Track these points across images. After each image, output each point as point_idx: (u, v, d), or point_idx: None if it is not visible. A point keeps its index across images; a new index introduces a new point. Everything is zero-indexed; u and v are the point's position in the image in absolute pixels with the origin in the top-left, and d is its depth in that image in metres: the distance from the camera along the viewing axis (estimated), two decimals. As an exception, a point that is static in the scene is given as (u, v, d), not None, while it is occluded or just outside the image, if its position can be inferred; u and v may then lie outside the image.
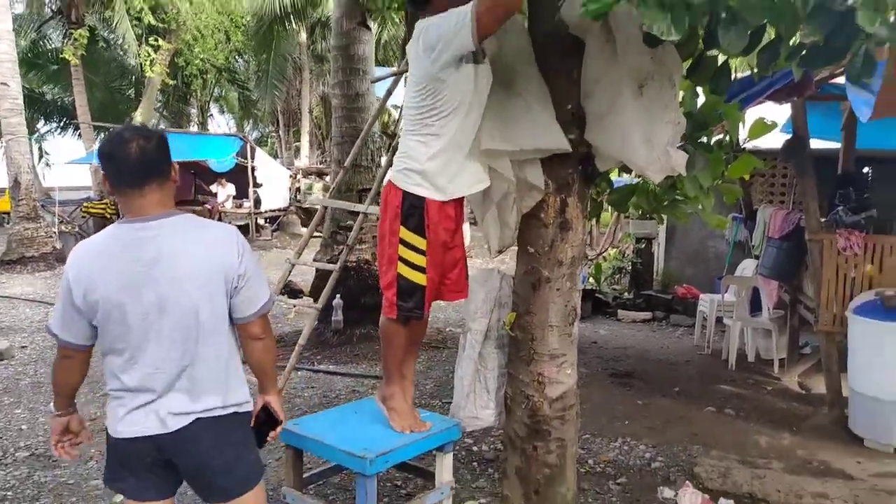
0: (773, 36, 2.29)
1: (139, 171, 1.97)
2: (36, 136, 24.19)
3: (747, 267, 6.48)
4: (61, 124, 24.44)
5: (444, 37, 2.28)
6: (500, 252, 2.86)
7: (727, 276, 6.61)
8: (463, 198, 2.60)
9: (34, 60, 20.34)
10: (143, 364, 1.94)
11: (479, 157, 2.52)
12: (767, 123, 3.01)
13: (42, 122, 24.68)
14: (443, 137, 2.41)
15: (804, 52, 2.26)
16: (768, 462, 4.04)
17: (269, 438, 2.23)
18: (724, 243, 8.06)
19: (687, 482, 3.60)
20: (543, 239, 2.69)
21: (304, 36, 21.36)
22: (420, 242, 2.48)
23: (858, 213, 4.94)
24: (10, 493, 3.60)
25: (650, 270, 8.95)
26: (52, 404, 2.26)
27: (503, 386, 2.95)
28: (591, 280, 9.07)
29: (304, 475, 3.05)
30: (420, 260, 2.49)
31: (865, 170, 7.69)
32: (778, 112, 5.39)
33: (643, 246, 8.75)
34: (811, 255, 4.64)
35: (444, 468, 2.86)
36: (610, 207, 4.68)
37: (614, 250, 9.54)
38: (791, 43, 2.25)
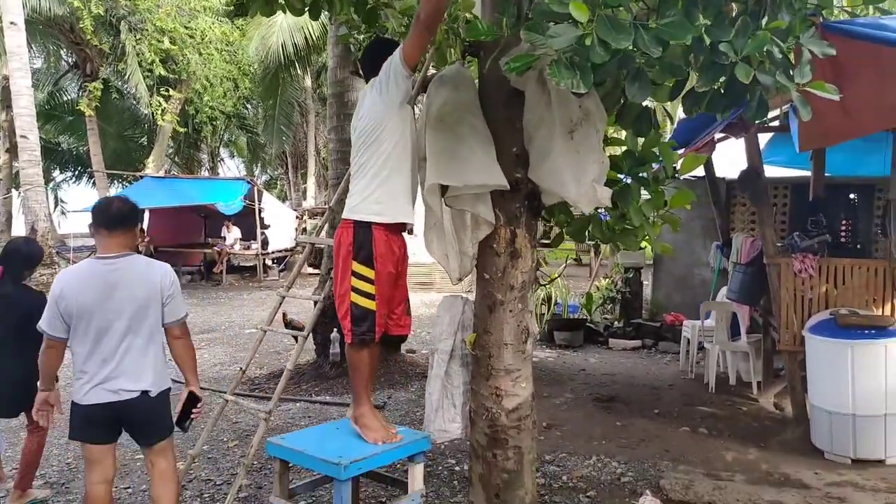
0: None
1: (113, 221, 3.00)
2: (52, 184, 25.00)
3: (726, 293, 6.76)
4: (76, 173, 25.23)
5: (388, 78, 2.89)
6: (460, 280, 3.20)
7: (706, 301, 6.88)
8: (403, 235, 3.09)
9: (51, 112, 21.17)
10: (99, 353, 2.93)
11: (410, 192, 3.02)
12: (697, 157, 3.35)
13: (58, 171, 25.49)
14: (383, 171, 2.91)
15: (708, 98, 2.62)
16: (732, 475, 4.28)
17: (193, 416, 3.24)
18: (709, 270, 8.34)
19: (647, 491, 3.85)
20: (496, 266, 3.03)
21: (308, 81, 22.12)
22: (369, 273, 2.93)
23: (819, 237, 5.25)
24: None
25: (639, 299, 9.23)
26: (38, 383, 3.21)
27: (469, 401, 3.25)
28: (582, 310, 9.36)
29: (291, 486, 3.34)
30: (370, 288, 2.94)
31: (851, 196, 8.01)
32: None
33: (631, 275, 9.04)
34: (770, 278, 4.93)
35: (416, 477, 3.15)
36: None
37: (606, 280, 9.83)
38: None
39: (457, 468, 4.49)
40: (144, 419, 3.06)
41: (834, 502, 3.82)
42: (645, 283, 9.90)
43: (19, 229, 19.00)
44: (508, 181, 2.87)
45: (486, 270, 3.05)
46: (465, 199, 2.90)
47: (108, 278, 2.92)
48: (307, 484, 3.48)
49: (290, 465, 3.30)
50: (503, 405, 3.04)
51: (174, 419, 3.19)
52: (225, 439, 5.16)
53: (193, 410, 3.22)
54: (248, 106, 23.75)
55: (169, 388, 3.16)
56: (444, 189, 2.95)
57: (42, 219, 12.35)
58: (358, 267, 2.92)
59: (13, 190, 19.41)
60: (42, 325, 2.96)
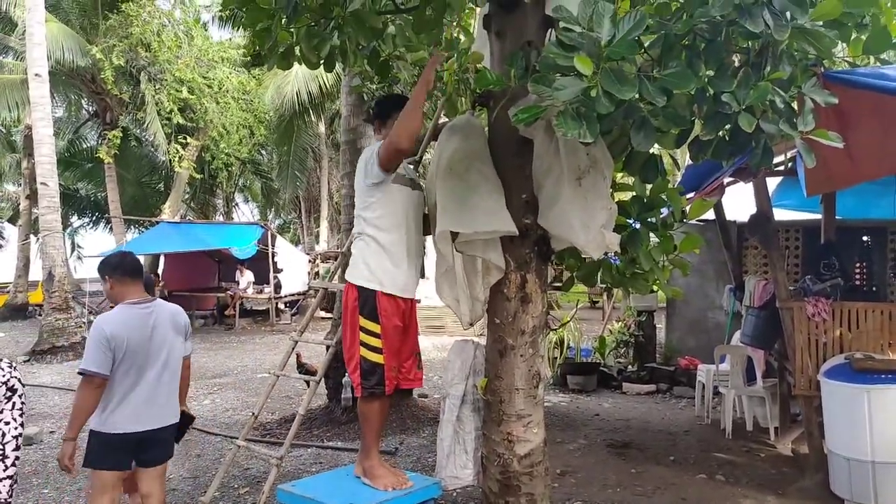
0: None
1: (134, 270, 3.44)
2: (69, 230, 25.39)
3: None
4: (93, 218, 25.63)
5: (365, 166, 3.18)
6: (471, 324, 3.22)
7: (720, 345, 6.83)
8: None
9: (70, 159, 21.65)
10: (142, 387, 3.27)
11: (407, 261, 3.16)
12: (705, 202, 3.40)
13: (76, 216, 25.91)
14: (372, 243, 3.12)
15: (714, 146, 2.68)
16: (750, 523, 4.20)
17: (185, 431, 3.70)
18: (723, 314, 8.29)
19: (663, 540, 3.78)
20: (507, 311, 3.05)
21: (322, 127, 22.54)
22: (375, 327, 3.04)
23: (832, 280, 5.23)
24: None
25: (653, 343, 9.16)
26: (64, 434, 3.31)
27: (480, 447, 3.24)
28: (596, 354, 9.29)
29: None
30: (377, 343, 3.05)
31: (865, 238, 8.00)
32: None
33: (644, 319, 9.00)
34: (783, 322, 4.91)
35: (428, 524, 3.12)
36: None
37: (619, 324, 9.78)
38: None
39: (471, 515, 4.44)
40: (164, 442, 3.45)
41: (856, 553, 3.73)
42: (658, 326, 9.84)
43: (36, 274, 19.25)
44: (518, 227, 2.92)
45: (497, 315, 3.07)
46: (475, 245, 2.95)
47: (147, 321, 3.32)
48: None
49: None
50: (515, 451, 3.03)
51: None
52: (236, 486, 5.13)
53: (186, 430, 3.77)
54: (263, 152, 24.17)
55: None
56: (454, 235, 3.00)
57: (59, 264, 12.51)
58: (364, 322, 3.03)
59: (31, 235, 19.74)
60: (90, 367, 3.14)
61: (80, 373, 3.19)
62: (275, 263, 16.35)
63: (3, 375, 3.40)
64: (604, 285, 3.80)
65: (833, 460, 4.49)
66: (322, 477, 3.54)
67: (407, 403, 7.20)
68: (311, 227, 29.60)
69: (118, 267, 3.36)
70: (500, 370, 3.07)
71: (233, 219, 28.44)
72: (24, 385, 3.41)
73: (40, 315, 14.75)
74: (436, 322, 14.56)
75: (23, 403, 3.39)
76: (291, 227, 34.24)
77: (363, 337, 3.05)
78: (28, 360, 11.57)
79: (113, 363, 3.16)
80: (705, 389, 7.02)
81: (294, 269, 17.99)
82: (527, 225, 2.97)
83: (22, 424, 3.34)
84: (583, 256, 3.80)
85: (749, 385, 6.37)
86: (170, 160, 17.49)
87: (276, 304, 16.84)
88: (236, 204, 31.92)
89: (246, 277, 17.15)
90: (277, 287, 16.86)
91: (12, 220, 25.36)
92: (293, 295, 17.87)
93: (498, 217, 2.86)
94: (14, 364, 3.42)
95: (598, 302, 16.74)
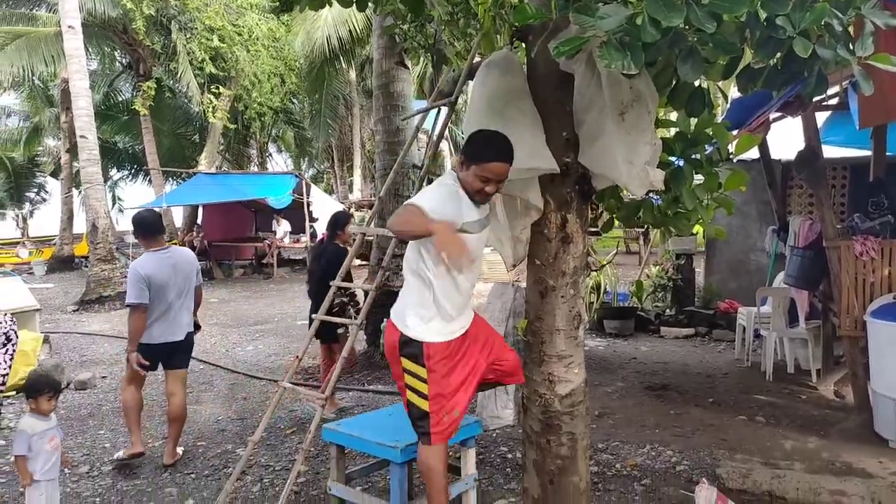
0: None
1: (153, 228, 4.66)
2: (109, 183, 25.87)
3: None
4: (132, 171, 26.06)
5: None
6: (514, 266, 3.19)
7: (762, 287, 6.71)
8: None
9: (107, 112, 21.88)
10: (163, 308, 4.46)
11: (454, 316, 2.84)
12: (752, 137, 3.27)
13: (115, 169, 26.37)
14: (427, 290, 2.78)
15: (765, 75, 2.55)
16: (791, 464, 4.18)
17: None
18: (765, 256, 8.12)
19: (704, 479, 3.79)
20: (548, 252, 3.01)
21: (353, 74, 22.31)
22: (421, 371, 2.76)
23: (881, 219, 5.06)
24: (98, 500, 4.07)
25: (692, 286, 9.05)
26: (127, 349, 4.46)
27: (521, 387, 3.25)
28: (633, 298, 9.23)
29: (347, 471, 3.41)
30: (423, 387, 2.76)
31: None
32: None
33: (683, 262, 8.87)
34: (830, 262, 4.78)
35: (468, 461, 3.18)
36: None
37: (657, 268, 9.67)
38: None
39: (509, 455, 4.50)
40: (183, 351, 4.65)
41: (901, 492, 3.70)
42: (697, 270, 9.71)
43: (80, 227, 19.78)
44: (559, 165, 2.85)
45: (538, 256, 3.04)
46: (514, 184, 2.89)
47: (168, 262, 4.51)
48: (362, 469, 3.55)
49: (346, 450, 3.36)
50: (556, 391, 3.04)
51: None
52: (282, 426, 5.29)
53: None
54: (295, 101, 24.09)
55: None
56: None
57: (102, 216, 12.79)
58: (407, 364, 2.79)
59: (74, 189, 20.18)
60: (133, 300, 4.34)
61: (127, 305, 4.42)
62: (310, 213, 16.47)
63: (3, 325, 5.00)
64: (642, 228, 3.72)
65: (878, 401, 4.42)
66: (366, 417, 3.62)
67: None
68: (345, 176, 29.67)
69: (139, 226, 4.60)
70: (541, 311, 3.04)
71: (267, 169, 28.62)
72: (17, 336, 5.13)
73: (86, 266, 15.20)
74: (471, 268, 14.56)
75: (14, 351, 5.04)
76: (325, 176, 34.35)
77: (409, 380, 2.78)
78: (77, 310, 11.97)
79: (149, 294, 4.35)
80: (746, 332, 6.94)
81: (329, 218, 18.12)
82: (567, 163, 2.89)
83: (10, 367, 4.99)
84: (623, 196, 3.74)
85: (791, 327, 6.27)
86: (203, 111, 17.56)
87: (313, 252, 17.03)
88: (270, 154, 32.08)
89: (282, 227, 17.34)
90: (313, 236, 17.01)
91: (54, 175, 25.94)
92: (329, 243, 18.03)
93: (538, 154, 2.78)
94: (13, 318, 5.00)
95: (632, 248, 16.55)
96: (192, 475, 4.40)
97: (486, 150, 2.66)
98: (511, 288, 3.22)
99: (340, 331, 5.38)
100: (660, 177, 2.70)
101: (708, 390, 5.96)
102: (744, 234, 8.42)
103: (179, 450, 4.73)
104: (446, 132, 19.13)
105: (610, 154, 2.72)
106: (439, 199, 2.70)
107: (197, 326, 4.83)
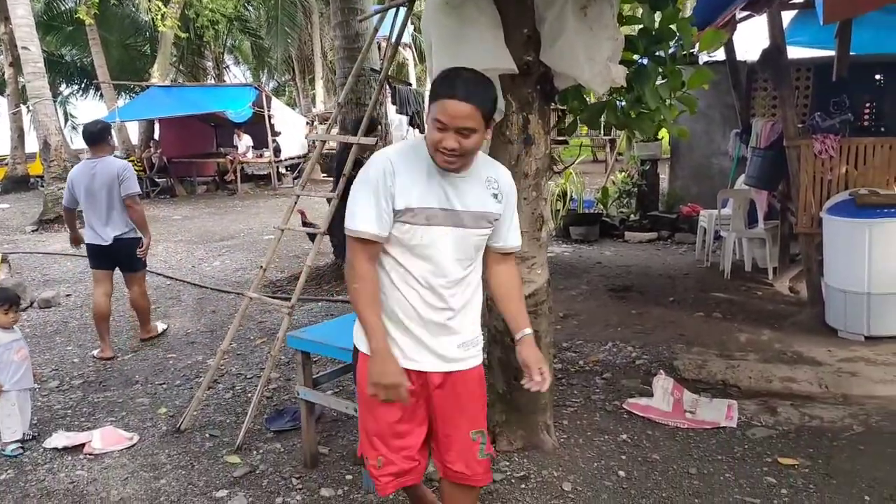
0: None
1: (90, 138, 4.97)
2: (59, 98, 24.70)
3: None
4: (82, 86, 24.86)
5: None
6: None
7: (723, 189, 6.82)
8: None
9: (50, 23, 20.61)
10: (90, 213, 4.94)
11: (404, 333, 2.07)
12: (718, 33, 3.22)
13: (64, 85, 25.12)
14: (384, 275, 2.07)
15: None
16: (745, 355, 4.39)
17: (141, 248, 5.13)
18: (727, 160, 8.21)
19: (661, 371, 3.97)
20: (510, 154, 2.99)
21: (310, -22, 21.30)
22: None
23: (842, 117, 5.11)
24: (69, 412, 4.11)
25: (656, 192, 9.16)
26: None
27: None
28: (598, 205, 9.32)
29: (315, 376, 3.48)
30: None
31: (877, 77, 7.72)
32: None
33: (647, 168, 8.93)
34: (789, 161, 4.85)
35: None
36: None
37: (622, 174, 9.73)
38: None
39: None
40: (119, 255, 5.04)
41: (845, 376, 3.92)
42: (661, 175, 9.79)
43: (32, 145, 19.00)
44: (519, 65, 2.79)
45: (499, 158, 3.00)
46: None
47: (91, 170, 4.92)
48: (330, 373, 3.61)
49: (312, 356, 3.41)
50: (520, 291, 3.09)
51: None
52: (252, 337, 5.34)
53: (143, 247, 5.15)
54: (250, 7, 22.97)
55: (133, 238, 5.05)
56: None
57: (53, 132, 12.29)
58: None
59: (21, 105, 19.25)
60: (64, 202, 5.15)
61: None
62: (272, 126, 16.04)
63: None
64: (608, 136, 3.69)
65: (830, 294, 4.61)
66: (330, 324, 3.65)
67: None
68: (307, 89, 28.77)
69: (83, 135, 5.03)
70: (504, 214, 3.06)
71: (224, 82, 27.57)
72: None
73: (42, 186, 14.73)
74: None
75: None
76: (286, 89, 33.26)
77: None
78: (36, 230, 11.70)
79: (75, 198, 4.98)
80: (706, 234, 7.10)
81: (292, 132, 17.64)
82: (528, 62, 2.83)
83: None
84: (586, 98, 3.69)
85: (750, 228, 6.43)
86: (152, 19, 16.66)
87: (277, 167, 16.71)
88: (227, 66, 30.75)
89: (244, 141, 16.89)
90: (277, 151, 16.66)
91: (-1, 91, 24.68)
92: (293, 158, 17.69)
93: (496, 54, 2.71)
94: None
95: (598, 157, 16.57)
96: (164, 385, 4.45)
97: (441, 85, 1.89)
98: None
99: None
100: (622, 73, 2.66)
101: (669, 290, 6.14)
102: (707, 139, 8.47)
103: (160, 326, 5.59)
104: (409, 40, 18.47)
105: (571, 51, 2.66)
106: (371, 195, 1.95)
107: (137, 240, 5.10)
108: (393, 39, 3.88)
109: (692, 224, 8.15)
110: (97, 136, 4.97)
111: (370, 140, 3.76)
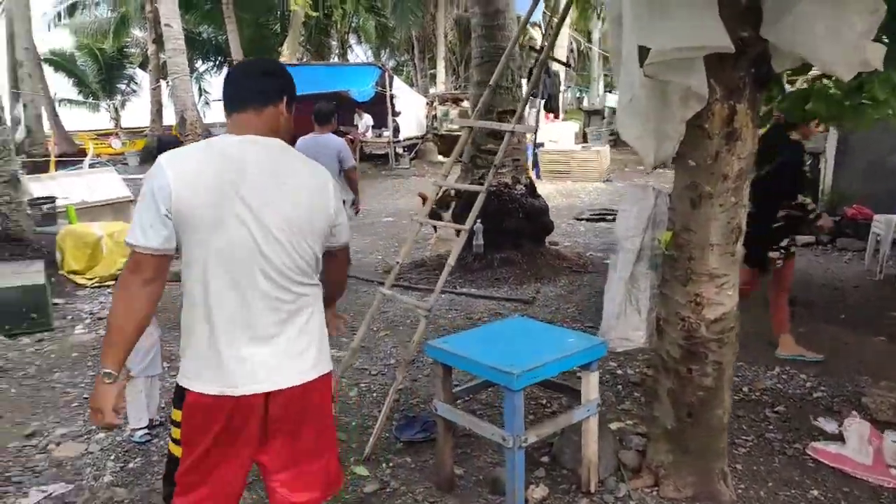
0: None
1: (328, 115, 5.48)
2: (195, 75, 25.94)
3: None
4: (216, 63, 25.98)
5: None
6: (655, 168, 2.68)
7: (909, 194, 5.90)
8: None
9: (189, 1, 21.58)
10: None
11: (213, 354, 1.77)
12: None
13: (200, 61, 26.34)
14: (186, 297, 1.82)
15: None
16: (954, 397, 3.65)
17: None
18: (909, 159, 7.17)
19: (854, 412, 3.34)
20: (707, 151, 2.49)
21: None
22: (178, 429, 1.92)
23: None
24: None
25: (815, 189, 8.18)
26: None
27: (654, 307, 2.83)
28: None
29: (453, 390, 3.14)
30: (177, 451, 1.94)
31: None
32: None
33: (809, 161, 7.96)
34: None
35: (591, 386, 2.83)
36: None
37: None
38: None
39: (619, 371, 4.14)
40: None
41: None
42: (821, 169, 8.75)
43: (169, 118, 20.02)
44: (732, 42, 2.26)
45: (693, 156, 2.52)
46: (672, 67, 2.32)
47: (317, 146, 5.10)
48: (468, 388, 3.27)
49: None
50: (704, 315, 2.60)
51: None
52: (375, 328, 5.11)
53: None
54: (377, -13, 23.08)
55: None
56: (643, 55, 2.37)
57: (189, 107, 12.80)
58: (176, 414, 1.87)
59: (161, 80, 20.29)
60: None
61: None
62: (393, 106, 15.97)
63: None
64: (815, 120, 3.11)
65: None
66: (473, 333, 3.30)
67: (541, 251, 6.88)
68: (425, 69, 28.72)
69: (314, 113, 5.39)
70: (692, 222, 2.56)
71: (348, 60, 27.99)
72: None
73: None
74: (561, 167, 13.95)
75: None
76: (405, 69, 33.40)
77: (174, 431, 1.91)
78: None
79: None
80: (881, 242, 6.21)
81: (411, 112, 17.55)
82: (744, 39, 2.30)
83: None
84: (783, 83, 3.11)
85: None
86: (286, -2, 16.99)
87: (395, 147, 16.65)
88: (350, 46, 31.29)
89: (364, 121, 16.96)
90: (396, 131, 16.60)
91: (143, 66, 26.17)
92: (411, 139, 17.58)
93: (707, 29, 2.19)
94: None
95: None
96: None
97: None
98: (651, 192, 2.75)
99: (775, 254, 4.23)
100: (879, 53, 2.07)
101: (838, 306, 5.38)
102: (885, 131, 7.39)
103: None
104: (539, 19, 17.72)
105: (807, 24, 2.10)
106: None
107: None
108: (560, 14, 3.43)
109: (858, 228, 7.21)
110: (328, 115, 5.49)
111: (530, 127, 3.35)
